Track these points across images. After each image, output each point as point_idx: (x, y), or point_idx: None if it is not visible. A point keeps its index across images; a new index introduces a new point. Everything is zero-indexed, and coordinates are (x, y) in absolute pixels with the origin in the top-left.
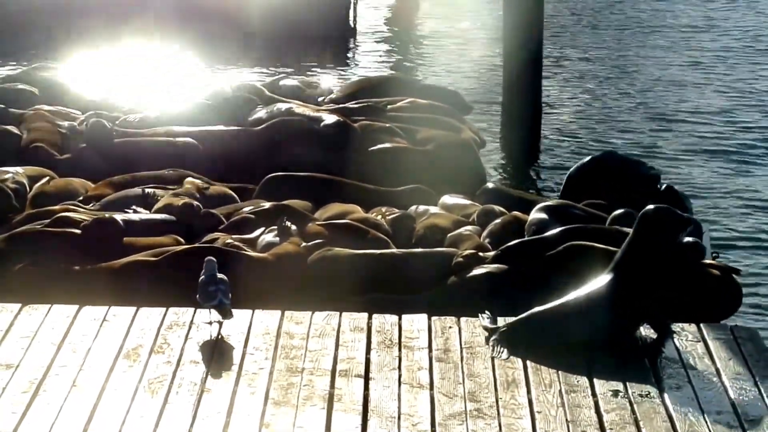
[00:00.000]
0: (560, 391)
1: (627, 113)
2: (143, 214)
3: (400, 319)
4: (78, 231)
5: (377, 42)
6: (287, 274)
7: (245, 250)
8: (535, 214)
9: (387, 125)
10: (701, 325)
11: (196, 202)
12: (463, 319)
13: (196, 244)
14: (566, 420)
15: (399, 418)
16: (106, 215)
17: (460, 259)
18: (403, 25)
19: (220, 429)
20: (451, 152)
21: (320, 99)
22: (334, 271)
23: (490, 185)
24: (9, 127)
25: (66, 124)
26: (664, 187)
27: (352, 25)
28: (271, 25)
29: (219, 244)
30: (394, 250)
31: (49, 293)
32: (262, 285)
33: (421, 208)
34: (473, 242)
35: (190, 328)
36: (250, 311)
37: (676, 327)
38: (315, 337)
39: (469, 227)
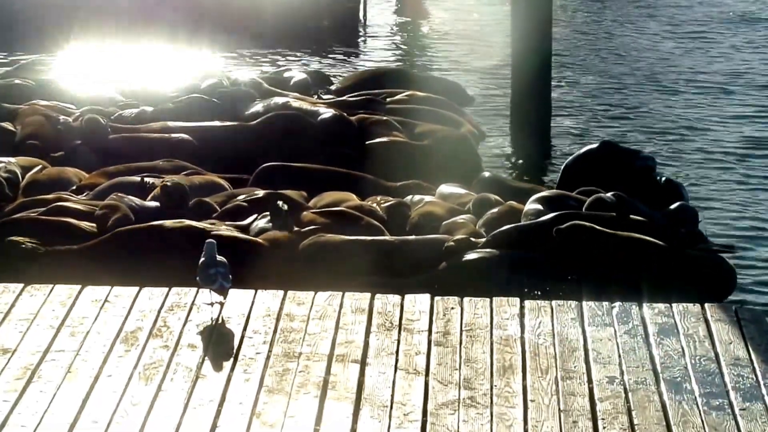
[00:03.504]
0: (556, 377)
1: (636, 108)
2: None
3: (402, 299)
4: (71, 220)
5: (387, 34)
6: (279, 259)
7: (225, 231)
8: (531, 205)
9: (384, 118)
10: (705, 305)
11: (178, 182)
12: (466, 300)
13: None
14: (559, 409)
15: (391, 406)
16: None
17: (452, 244)
18: (413, 17)
19: (211, 418)
20: (449, 146)
21: (320, 91)
22: (325, 257)
23: (486, 174)
24: (3, 124)
25: (61, 119)
26: (663, 180)
27: (362, 18)
28: (280, 16)
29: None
30: (387, 237)
31: (26, 273)
32: (255, 269)
33: (417, 196)
34: (468, 230)
35: (190, 309)
36: (253, 291)
37: (678, 307)
38: (315, 319)
39: (464, 215)
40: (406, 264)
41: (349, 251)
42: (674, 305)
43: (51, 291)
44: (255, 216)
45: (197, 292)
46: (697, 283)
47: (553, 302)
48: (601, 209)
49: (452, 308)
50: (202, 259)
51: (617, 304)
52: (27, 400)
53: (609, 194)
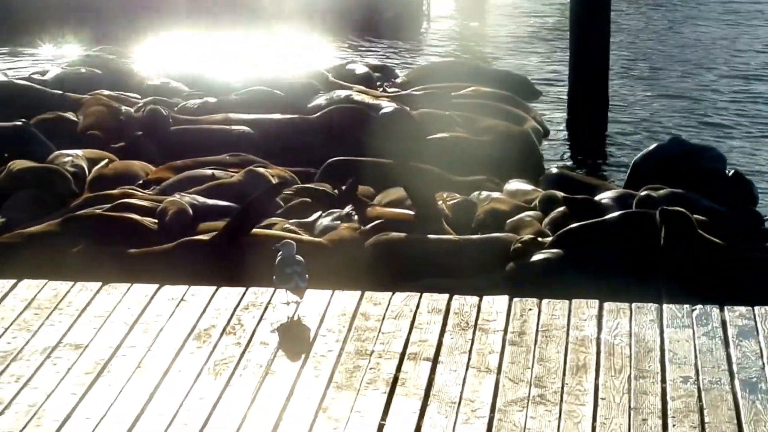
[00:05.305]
0: (629, 376)
1: (696, 101)
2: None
3: (480, 300)
4: (134, 216)
5: (452, 26)
6: (343, 259)
7: (300, 234)
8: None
9: (446, 114)
10: None
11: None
12: (544, 301)
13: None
14: (629, 407)
15: (459, 403)
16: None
17: (519, 245)
18: (475, 8)
19: (277, 413)
20: (510, 143)
21: (385, 84)
22: (390, 256)
23: (554, 170)
24: (66, 114)
25: (123, 109)
26: (732, 173)
27: (425, 9)
28: (343, 8)
29: (277, 228)
30: (451, 236)
31: (101, 276)
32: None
33: (484, 193)
34: (534, 228)
35: (266, 308)
36: (330, 292)
37: (760, 310)
38: (390, 319)
39: (530, 213)
40: (471, 264)
41: (414, 250)
42: (756, 308)
43: (128, 290)
44: (319, 213)
45: (274, 291)
46: (752, 284)
47: (633, 305)
48: (648, 208)
49: (530, 309)
50: (279, 258)
51: (698, 306)
52: (95, 394)
53: (662, 191)
